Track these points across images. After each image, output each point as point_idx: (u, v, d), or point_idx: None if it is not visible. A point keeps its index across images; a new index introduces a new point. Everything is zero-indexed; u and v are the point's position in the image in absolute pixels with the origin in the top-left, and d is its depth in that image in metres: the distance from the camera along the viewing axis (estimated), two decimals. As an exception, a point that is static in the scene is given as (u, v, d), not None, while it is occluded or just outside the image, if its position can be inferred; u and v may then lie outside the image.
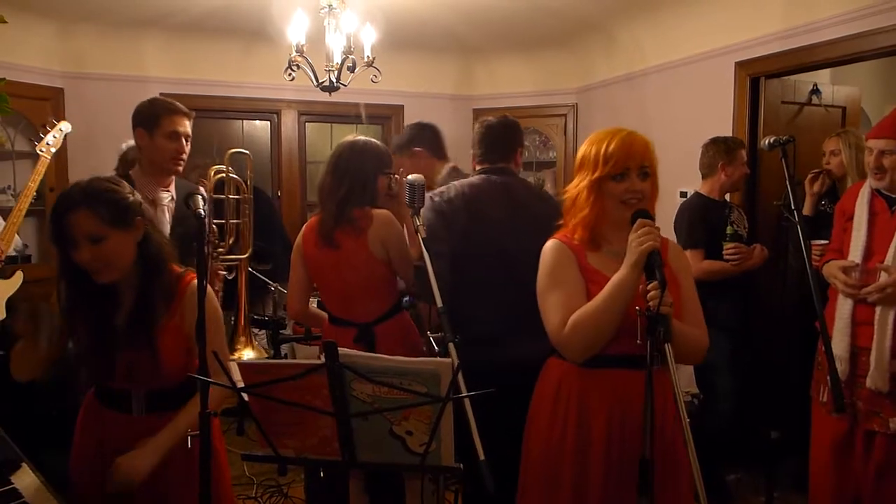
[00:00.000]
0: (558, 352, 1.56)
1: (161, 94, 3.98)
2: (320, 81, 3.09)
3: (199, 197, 1.45)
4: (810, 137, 3.12)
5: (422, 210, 2.12)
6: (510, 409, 1.65)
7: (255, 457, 1.34)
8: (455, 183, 2.25)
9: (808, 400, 2.28)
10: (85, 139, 3.82)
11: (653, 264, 1.34)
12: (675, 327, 1.38)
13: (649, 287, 1.32)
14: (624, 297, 1.40)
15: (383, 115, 4.83)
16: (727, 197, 2.96)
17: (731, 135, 3.15)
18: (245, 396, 1.22)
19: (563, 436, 1.51)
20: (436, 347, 1.72)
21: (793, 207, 2.05)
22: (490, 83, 4.89)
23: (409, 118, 4.84)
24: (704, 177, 2.92)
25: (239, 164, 2.97)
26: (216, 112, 4.44)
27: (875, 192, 2.12)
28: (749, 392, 2.87)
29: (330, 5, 3.00)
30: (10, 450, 1.52)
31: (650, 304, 1.29)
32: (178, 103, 2.24)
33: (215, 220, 2.72)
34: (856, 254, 2.09)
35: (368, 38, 3.06)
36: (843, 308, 2.09)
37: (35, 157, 2.89)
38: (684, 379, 3.10)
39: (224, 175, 2.82)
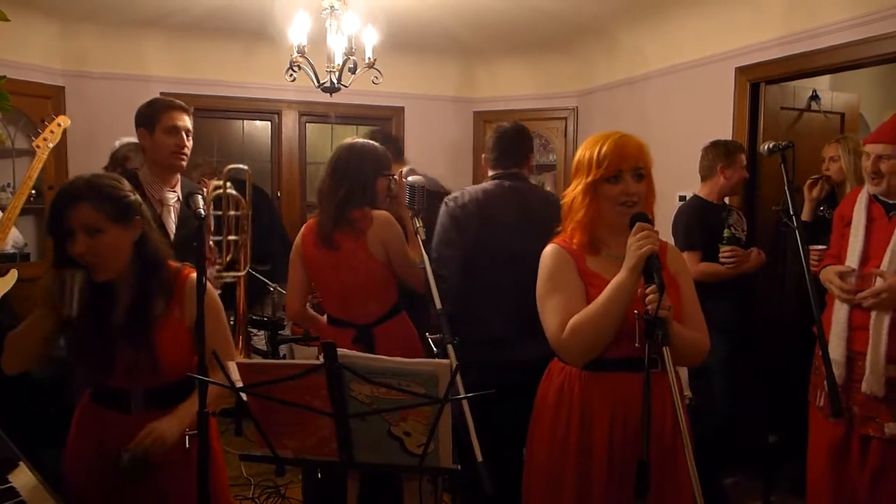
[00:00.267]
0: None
1: (162, 93, 3.99)
2: (321, 82, 3.10)
3: (199, 196, 1.46)
4: (809, 143, 3.13)
5: (438, 215, 2.19)
6: (520, 409, 1.68)
7: (253, 457, 1.34)
8: (469, 189, 2.35)
9: (806, 404, 2.28)
10: (85, 138, 3.83)
11: (651, 268, 1.34)
12: (675, 330, 1.39)
13: (648, 291, 1.32)
14: (623, 300, 1.40)
15: (384, 117, 4.84)
16: (727, 200, 2.97)
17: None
18: (244, 396, 1.22)
19: (565, 438, 1.52)
20: (434, 349, 1.72)
21: (791, 213, 2.05)
22: (491, 86, 4.90)
23: (410, 120, 4.85)
24: (703, 179, 2.93)
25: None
26: (217, 112, 4.45)
27: (872, 198, 2.13)
28: (746, 395, 2.88)
29: (332, 6, 3.01)
30: (7, 449, 1.52)
31: (649, 307, 1.30)
32: (176, 100, 2.26)
33: (214, 237, 2.66)
34: (852, 259, 2.10)
35: (370, 39, 3.07)
36: (839, 313, 2.09)
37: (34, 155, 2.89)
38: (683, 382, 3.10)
39: (222, 191, 2.71)
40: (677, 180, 3.24)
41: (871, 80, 4.30)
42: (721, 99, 3.36)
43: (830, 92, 3.54)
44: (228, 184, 2.70)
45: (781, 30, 3.03)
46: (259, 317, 3.45)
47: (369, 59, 3.07)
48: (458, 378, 1.28)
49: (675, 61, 3.69)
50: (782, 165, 2.10)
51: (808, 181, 2.93)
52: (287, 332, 3.37)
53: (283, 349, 3.55)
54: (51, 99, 3.89)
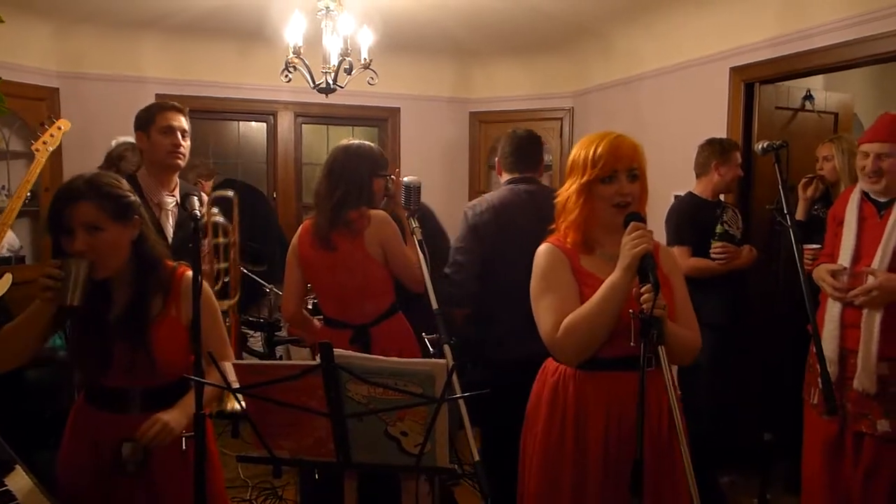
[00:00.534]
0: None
1: (157, 94, 3.99)
2: (317, 83, 3.10)
3: (195, 198, 1.47)
4: (803, 143, 3.14)
5: (459, 226, 2.30)
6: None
7: (249, 458, 1.34)
8: (486, 196, 2.49)
9: (801, 403, 2.30)
10: (81, 139, 3.80)
11: (646, 267, 1.35)
12: (669, 329, 1.40)
13: (643, 290, 1.33)
14: (617, 299, 1.41)
15: (380, 118, 4.84)
16: (722, 197, 2.98)
17: (725, 138, 3.17)
18: (240, 397, 1.22)
19: (561, 438, 1.52)
20: (431, 349, 1.73)
21: (785, 212, 2.07)
22: (487, 86, 4.90)
23: (406, 120, 4.85)
24: (698, 176, 2.94)
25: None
26: (212, 113, 4.43)
27: (864, 197, 2.15)
28: (740, 393, 2.88)
29: (327, 7, 3.01)
30: (3, 451, 1.51)
31: (644, 306, 1.31)
32: (172, 102, 2.29)
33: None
34: (845, 257, 2.11)
35: (365, 40, 3.07)
36: (832, 311, 2.11)
37: (30, 157, 2.87)
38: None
39: (208, 220, 2.59)
40: (672, 180, 3.25)
41: (865, 80, 4.32)
42: (715, 99, 3.37)
43: (824, 92, 3.56)
44: (214, 210, 2.61)
45: (775, 30, 3.05)
46: (255, 318, 3.45)
47: (365, 59, 3.07)
48: (455, 377, 1.28)
49: (670, 62, 3.70)
50: (776, 165, 2.11)
51: (803, 180, 2.95)
52: (283, 333, 3.37)
53: (279, 350, 3.54)
54: (45, 101, 3.87)
